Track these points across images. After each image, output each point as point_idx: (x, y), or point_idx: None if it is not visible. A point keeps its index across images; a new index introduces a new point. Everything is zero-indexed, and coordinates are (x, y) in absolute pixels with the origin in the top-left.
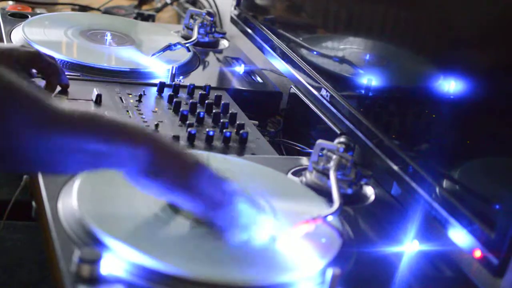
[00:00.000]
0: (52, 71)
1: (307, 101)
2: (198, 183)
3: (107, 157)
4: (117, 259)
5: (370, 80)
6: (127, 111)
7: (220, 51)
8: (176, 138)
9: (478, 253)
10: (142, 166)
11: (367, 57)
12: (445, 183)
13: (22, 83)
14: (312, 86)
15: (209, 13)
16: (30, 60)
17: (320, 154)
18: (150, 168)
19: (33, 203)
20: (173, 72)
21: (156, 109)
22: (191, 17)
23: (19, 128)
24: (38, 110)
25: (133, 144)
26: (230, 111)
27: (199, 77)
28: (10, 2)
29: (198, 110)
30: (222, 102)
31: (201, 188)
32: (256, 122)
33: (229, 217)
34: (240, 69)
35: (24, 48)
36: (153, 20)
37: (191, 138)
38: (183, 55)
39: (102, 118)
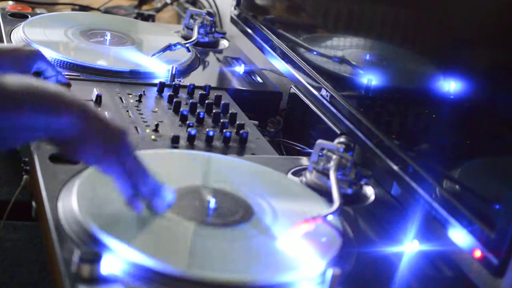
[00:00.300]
0: (51, 73)
1: (307, 101)
2: (123, 153)
3: (34, 125)
4: (117, 259)
5: (370, 80)
6: (127, 111)
7: (220, 51)
8: (176, 138)
9: (478, 253)
10: (70, 132)
11: (367, 57)
12: (445, 183)
13: None
14: (312, 86)
15: (209, 13)
16: (33, 59)
17: (320, 154)
18: (79, 135)
19: (33, 203)
20: (173, 72)
21: (156, 109)
22: (191, 17)
23: None
24: None
25: (63, 111)
26: (230, 111)
27: (199, 77)
28: (10, 2)
29: (198, 110)
30: (222, 102)
31: (124, 157)
32: (256, 122)
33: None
34: (240, 69)
35: (26, 47)
36: (153, 20)
37: (191, 138)
38: (183, 55)
39: (32, 86)
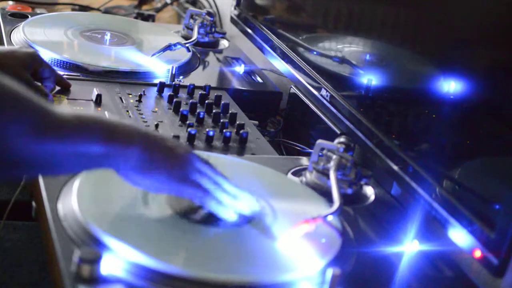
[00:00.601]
0: (49, 73)
1: (307, 101)
2: (190, 173)
3: (101, 158)
4: (117, 259)
5: (370, 80)
6: (127, 111)
7: (220, 51)
8: (176, 138)
9: (478, 253)
10: (135, 164)
11: (367, 57)
12: (445, 183)
13: (19, 87)
14: (312, 86)
15: (209, 13)
16: (31, 61)
17: (320, 154)
18: (144, 165)
19: (33, 203)
20: (173, 72)
21: (156, 109)
22: (191, 17)
23: (16, 134)
24: (36, 115)
25: (125, 144)
26: (230, 111)
27: (199, 77)
28: (10, 2)
29: (198, 110)
30: (222, 102)
31: (194, 177)
32: (256, 122)
33: (219, 200)
34: (240, 69)
35: (22, 49)
36: (153, 20)
37: (191, 138)
38: (183, 55)
39: (95, 121)
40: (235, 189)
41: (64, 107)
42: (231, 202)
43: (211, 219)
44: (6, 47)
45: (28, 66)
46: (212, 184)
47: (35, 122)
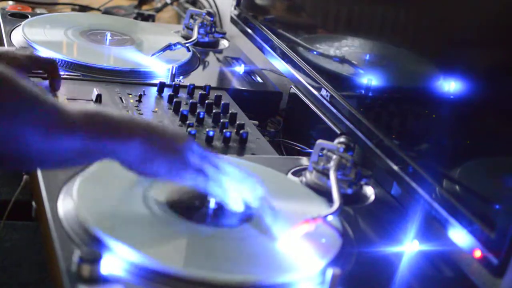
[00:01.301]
0: (52, 68)
1: (307, 101)
2: (191, 160)
3: (105, 152)
4: (117, 259)
5: (370, 80)
6: (127, 111)
7: (220, 51)
8: None
9: (478, 253)
10: (138, 155)
11: (367, 57)
12: (445, 183)
13: (27, 84)
14: (312, 86)
15: (209, 13)
16: (29, 63)
17: (320, 154)
18: (146, 156)
19: (33, 203)
20: (173, 72)
21: (156, 109)
22: (191, 17)
23: (25, 129)
24: (49, 113)
25: (128, 138)
26: (230, 111)
27: (199, 77)
28: (10, 2)
29: (198, 110)
30: (222, 102)
31: (195, 163)
32: (256, 122)
33: (223, 184)
34: (240, 69)
35: (19, 51)
36: (153, 20)
37: None
38: (183, 55)
39: (100, 117)
40: (238, 173)
41: (67, 102)
42: (233, 186)
43: (211, 220)
44: (2, 48)
45: (27, 68)
46: (213, 168)
47: (48, 120)
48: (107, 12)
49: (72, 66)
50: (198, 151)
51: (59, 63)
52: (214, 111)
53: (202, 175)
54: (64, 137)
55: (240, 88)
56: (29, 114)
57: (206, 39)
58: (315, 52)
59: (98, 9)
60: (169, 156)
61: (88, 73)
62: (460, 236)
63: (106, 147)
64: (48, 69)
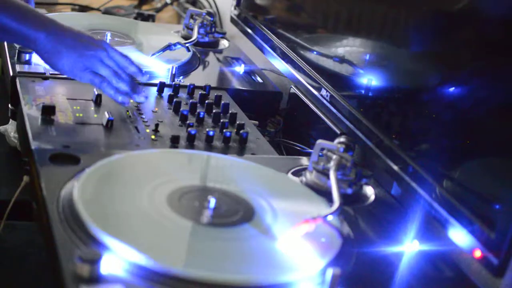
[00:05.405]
0: None
1: (307, 101)
2: (94, 60)
3: (17, 36)
4: (117, 259)
5: (370, 80)
6: (127, 111)
7: (220, 51)
8: (176, 138)
9: (478, 253)
10: (47, 46)
11: (367, 57)
12: (445, 183)
13: None
14: (312, 86)
15: (209, 13)
16: None
17: (320, 154)
18: (55, 48)
19: (33, 203)
20: (173, 72)
21: (156, 109)
22: (191, 17)
23: None
24: None
25: (35, 27)
26: (230, 111)
27: (199, 77)
28: None
29: (198, 110)
30: (222, 102)
31: (95, 65)
32: (256, 122)
33: (114, 87)
34: (240, 69)
35: None
36: (153, 20)
37: (191, 138)
38: (183, 55)
39: (11, 2)
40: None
41: None
42: (126, 89)
43: (211, 220)
44: None
45: None
46: (110, 72)
47: None
48: (107, 12)
49: None
50: (107, 50)
51: None
52: (214, 111)
53: (97, 76)
54: None
55: (240, 88)
56: None
57: (206, 39)
58: (315, 52)
59: (98, 9)
60: (77, 51)
61: None
62: (460, 236)
63: (15, 30)
64: None
